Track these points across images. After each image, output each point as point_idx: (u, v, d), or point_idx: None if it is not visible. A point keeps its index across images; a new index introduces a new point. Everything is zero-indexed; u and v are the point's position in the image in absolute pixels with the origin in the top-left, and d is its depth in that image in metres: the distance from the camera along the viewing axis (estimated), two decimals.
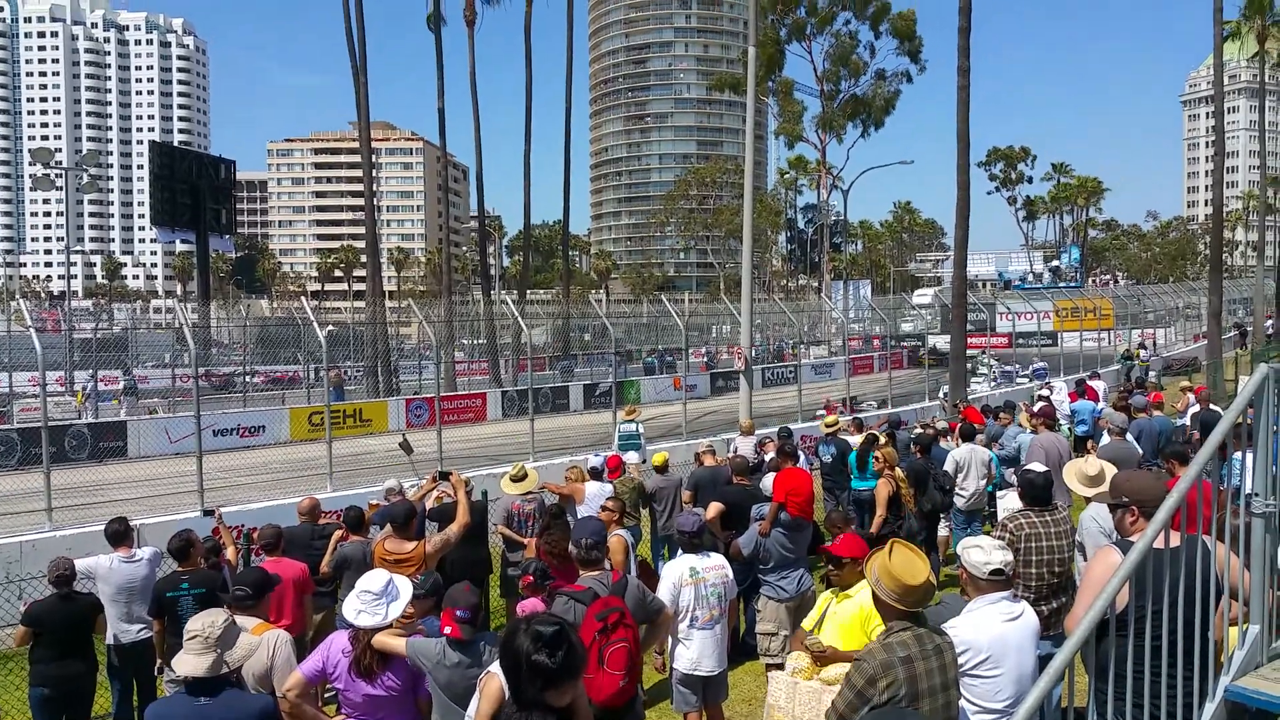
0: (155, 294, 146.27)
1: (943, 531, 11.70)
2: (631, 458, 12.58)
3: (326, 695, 6.93)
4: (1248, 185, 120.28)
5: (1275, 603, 3.81)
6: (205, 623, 4.05)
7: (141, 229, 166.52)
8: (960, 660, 3.98)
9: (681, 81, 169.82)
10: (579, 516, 9.48)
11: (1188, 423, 14.21)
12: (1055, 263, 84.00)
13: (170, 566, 7.58)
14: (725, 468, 10.90)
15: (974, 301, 36.72)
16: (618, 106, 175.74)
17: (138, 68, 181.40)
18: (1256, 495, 3.75)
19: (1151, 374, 29.05)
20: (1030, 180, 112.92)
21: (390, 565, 6.90)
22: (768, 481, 9.29)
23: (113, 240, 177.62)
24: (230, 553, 8.44)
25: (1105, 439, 11.34)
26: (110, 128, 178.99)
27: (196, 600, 6.97)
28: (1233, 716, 3.71)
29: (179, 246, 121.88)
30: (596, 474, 10.67)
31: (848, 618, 5.12)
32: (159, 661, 7.21)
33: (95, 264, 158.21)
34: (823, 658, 4.78)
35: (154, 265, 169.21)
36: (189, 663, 3.99)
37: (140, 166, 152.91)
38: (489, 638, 5.02)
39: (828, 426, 13.79)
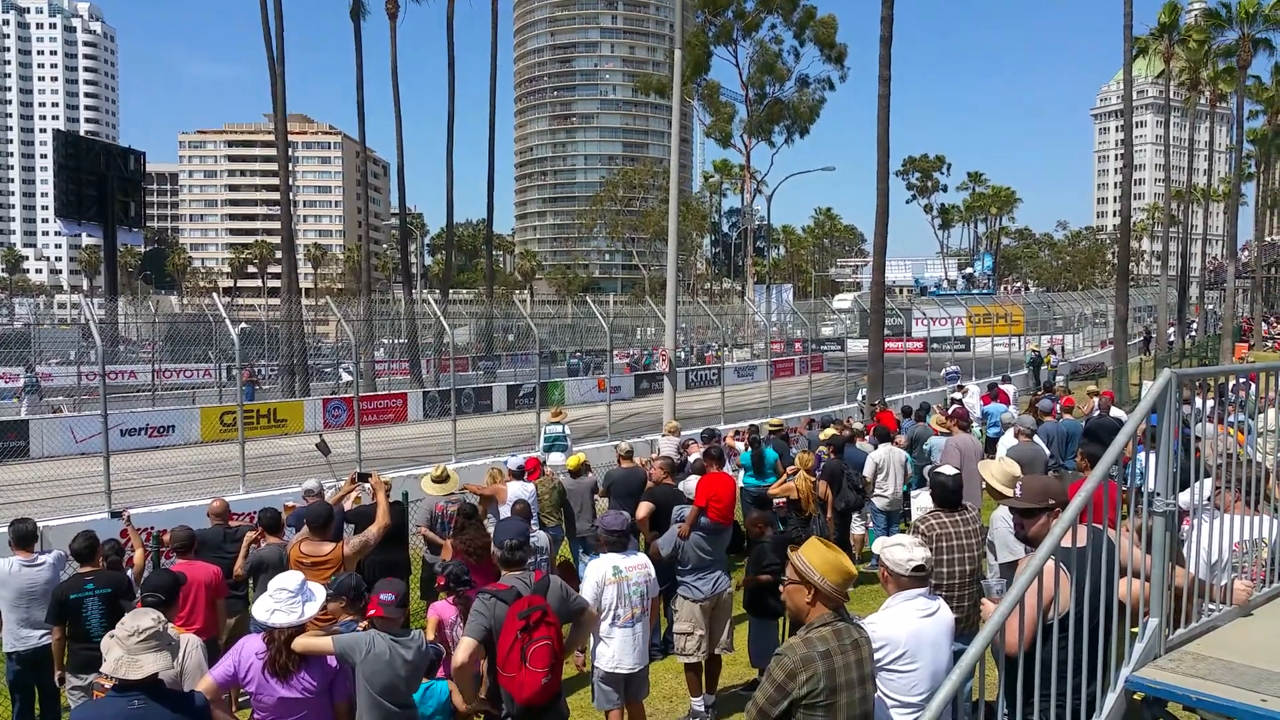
0: (59, 288, 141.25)
1: (857, 530, 11.93)
2: (556, 459, 12.55)
3: (241, 700, 6.78)
4: (1154, 198, 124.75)
5: (1174, 597, 3.97)
6: (153, 618, 3.81)
7: (45, 221, 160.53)
8: (878, 655, 4.07)
9: (607, 83, 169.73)
10: (500, 517, 9.43)
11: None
12: (969, 270, 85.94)
13: (74, 571, 7.30)
14: (641, 469, 10.95)
15: (891, 307, 37.47)
16: (543, 106, 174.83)
17: (40, 53, 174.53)
18: (1158, 494, 3.90)
19: (1059, 379, 29.93)
20: (945, 189, 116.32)
21: (307, 568, 6.78)
22: (691, 484, 9.37)
23: (13, 232, 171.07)
24: (138, 555, 8.21)
25: (1011, 440, 11.61)
26: (10, 114, 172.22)
27: (102, 600, 6.75)
28: (1131, 706, 3.87)
29: (85, 239, 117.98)
30: (517, 475, 10.63)
31: None
32: (58, 671, 6.87)
33: None
34: None
35: (58, 259, 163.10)
36: (153, 661, 3.69)
37: (44, 156, 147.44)
38: (422, 638, 5.02)
39: (772, 429, 14.04)
